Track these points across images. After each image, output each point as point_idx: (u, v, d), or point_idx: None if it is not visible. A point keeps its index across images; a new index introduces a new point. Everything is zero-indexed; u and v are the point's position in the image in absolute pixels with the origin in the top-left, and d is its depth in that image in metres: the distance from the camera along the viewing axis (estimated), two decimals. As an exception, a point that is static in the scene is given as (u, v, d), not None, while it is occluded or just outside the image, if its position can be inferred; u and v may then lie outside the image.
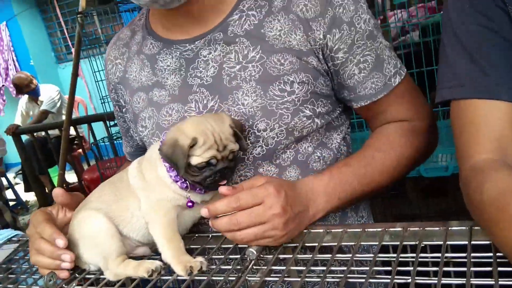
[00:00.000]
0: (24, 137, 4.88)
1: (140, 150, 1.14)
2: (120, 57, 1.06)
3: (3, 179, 5.72)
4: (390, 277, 0.64)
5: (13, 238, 1.09)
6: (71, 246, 0.86)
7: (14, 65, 6.86)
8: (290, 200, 0.80)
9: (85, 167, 4.96)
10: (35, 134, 4.79)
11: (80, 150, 4.94)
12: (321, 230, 0.83)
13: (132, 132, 1.12)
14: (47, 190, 5.11)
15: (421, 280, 0.62)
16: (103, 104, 2.93)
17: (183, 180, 0.82)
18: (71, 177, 5.84)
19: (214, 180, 0.81)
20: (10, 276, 0.92)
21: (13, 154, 5.81)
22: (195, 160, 0.79)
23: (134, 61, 1.03)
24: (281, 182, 0.82)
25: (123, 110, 1.10)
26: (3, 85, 7.01)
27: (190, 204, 0.84)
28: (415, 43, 2.55)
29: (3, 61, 6.89)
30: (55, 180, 4.34)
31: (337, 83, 0.94)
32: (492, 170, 0.69)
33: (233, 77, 0.91)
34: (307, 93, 0.91)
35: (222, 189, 0.80)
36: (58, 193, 0.92)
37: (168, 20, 0.97)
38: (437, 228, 0.73)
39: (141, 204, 0.85)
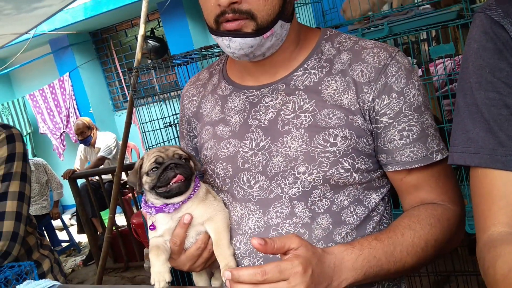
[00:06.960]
0: (79, 181, 5.10)
1: None
2: (197, 95, 1.23)
3: (59, 220, 5.97)
4: None
5: (51, 289, 1.12)
6: None
7: (75, 112, 7.26)
8: (316, 278, 0.80)
9: (135, 210, 5.10)
10: (89, 178, 5.00)
11: (131, 194, 5.08)
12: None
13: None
14: (98, 233, 5.26)
15: None
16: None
17: (148, 206, 1.04)
18: (121, 219, 6.00)
19: (167, 176, 1.01)
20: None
21: (69, 197, 6.04)
22: (143, 169, 1.03)
23: (208, 99, 1.18)
24: (310, 258, 0.81)
25: (195, 140, 1.25)
26: (64, 131, 7.41)
27: (152, 227, 1.02)
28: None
29: (65, 108, 7.32)
30: (106, 223, 4.47)
31: (377, 145, 1.00)
32: (505, 245, 0.67)
33: (287, 123, 1.02)
34: (348, 148, 0.97)
35: (254, 241, 0.78)
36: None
37: (244, 68, 1.11)
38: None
39: None
